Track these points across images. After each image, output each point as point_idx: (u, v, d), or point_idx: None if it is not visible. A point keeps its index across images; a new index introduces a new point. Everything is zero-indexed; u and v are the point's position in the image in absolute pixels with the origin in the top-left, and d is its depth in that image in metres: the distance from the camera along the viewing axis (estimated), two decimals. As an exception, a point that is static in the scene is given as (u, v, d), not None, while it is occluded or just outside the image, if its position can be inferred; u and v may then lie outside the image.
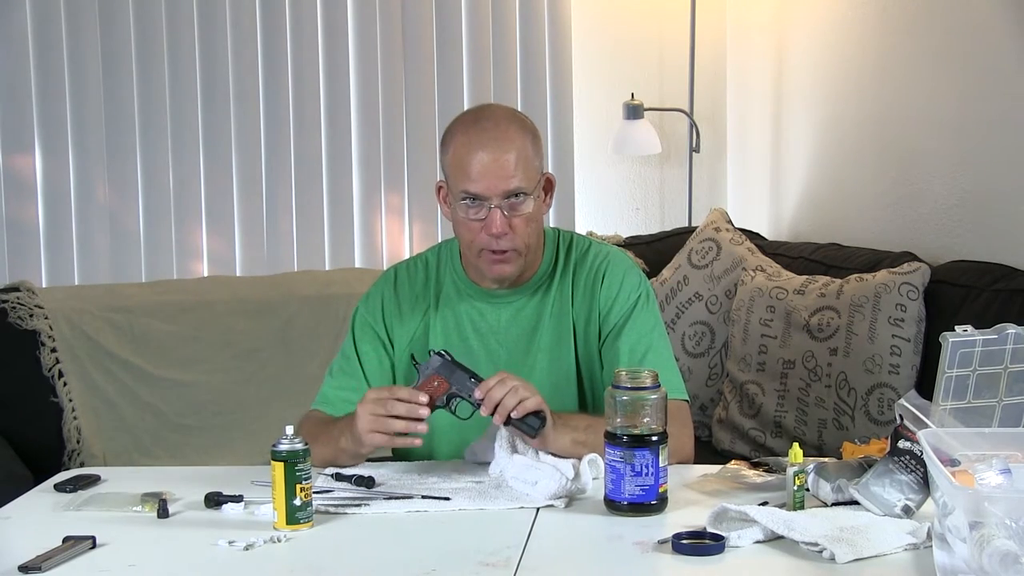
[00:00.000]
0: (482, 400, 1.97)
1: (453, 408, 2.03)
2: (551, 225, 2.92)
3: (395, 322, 2.27)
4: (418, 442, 2.00)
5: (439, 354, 2.05)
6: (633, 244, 3.64)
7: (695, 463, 2.14)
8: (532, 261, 2.22)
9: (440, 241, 2.39)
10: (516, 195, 2.12)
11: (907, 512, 1.72)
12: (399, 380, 2.25)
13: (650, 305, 2.24)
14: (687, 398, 2.22)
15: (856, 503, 1.75)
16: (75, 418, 3.14)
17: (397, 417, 1.97)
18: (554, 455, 2.00)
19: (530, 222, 2.15)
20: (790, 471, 1.77)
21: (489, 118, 2.17)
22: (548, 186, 2.21)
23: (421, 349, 2.22)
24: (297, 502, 1.77)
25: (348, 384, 2.23)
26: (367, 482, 1.97)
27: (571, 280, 2.25)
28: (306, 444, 1.80)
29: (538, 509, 1.86)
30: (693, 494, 1.92)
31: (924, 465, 1.71)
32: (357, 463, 2.09)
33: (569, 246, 2.28)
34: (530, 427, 1.96)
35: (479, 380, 2.01)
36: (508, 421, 1.96)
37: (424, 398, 1.98)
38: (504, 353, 2.23)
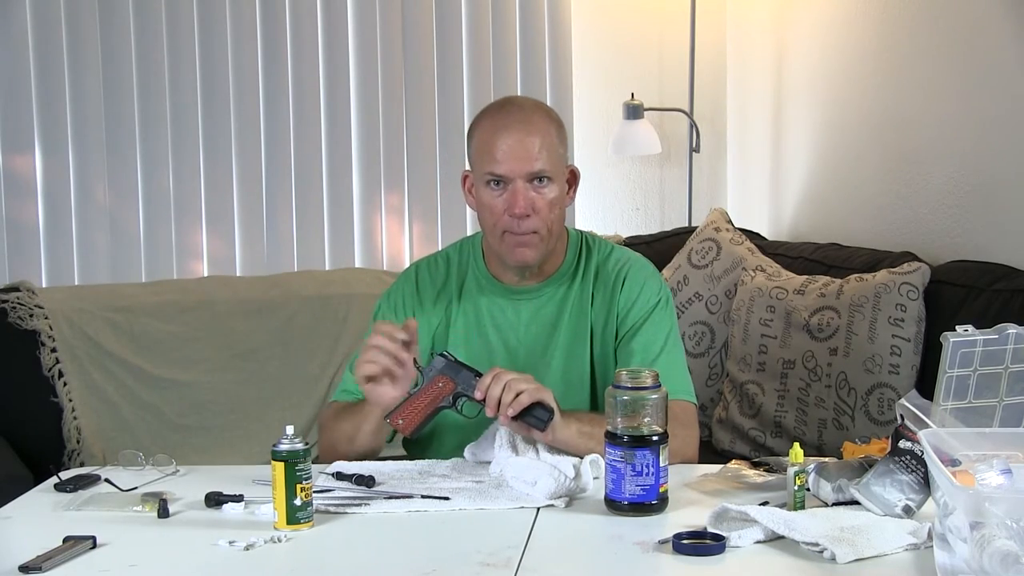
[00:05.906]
0: (484, 399, 1.98)
1: (459, 408, 2.04)
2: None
3: (416, 319, 2.27)
4: (393, 393, 2.01)
5: (442, 355, 2.07)
6: (633, 244, 3.62)
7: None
8: (553, 253, 2.24)
9: (459, 239, 2.39)
10: (540, 178, 2.14)
11: (908, 512, 1.72)
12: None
13: (668, 311, 2.26)
14: (695, 401, 2.22)
15: (857, 503, 1.75)
16: (75, 418, 3.14)
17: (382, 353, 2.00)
18: (559, 452, 2.00)
19: (553, 207, 2.16)
20: (791, 471, 1.77)
21: (515, 104, 2.25)
22: (572, 179, 2.23)
23: (442, 342, 2.24)
24: (297, 502, 1.77)
25: None
26: (367, 482, 1.97)
27: (592, 281, 2.26)
28: (306, 444, 1.79)
29: (538, 509, 1.86)
30: (693, 494, 1.92)
31: (925, 465, 1.71)
32: (377, 443, 2.13)
33: (591, 248, 2.30)
34: (539, 419, 1.97)
35: None
36: (517, 416, 1.96)
37: (402, 335, 2.01)
38: (523, 350, 2.24)
